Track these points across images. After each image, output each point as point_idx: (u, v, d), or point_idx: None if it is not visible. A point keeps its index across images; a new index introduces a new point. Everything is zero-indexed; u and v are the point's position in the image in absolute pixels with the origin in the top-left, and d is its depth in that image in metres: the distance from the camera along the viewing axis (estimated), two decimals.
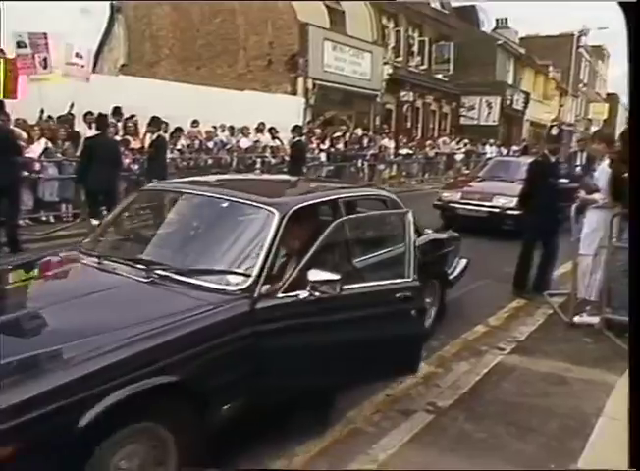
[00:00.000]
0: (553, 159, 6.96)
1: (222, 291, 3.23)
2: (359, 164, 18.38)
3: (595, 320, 5.64)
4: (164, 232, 4.14)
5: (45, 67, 10.51)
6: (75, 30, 13.29)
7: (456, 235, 6.37)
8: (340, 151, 17.66)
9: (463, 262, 6.22)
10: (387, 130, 21.66)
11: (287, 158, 14.34)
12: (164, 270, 3.37)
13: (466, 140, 25.92)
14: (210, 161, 13.42)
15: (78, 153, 9.90)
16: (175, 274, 3.34)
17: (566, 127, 39.08)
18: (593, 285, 5.74)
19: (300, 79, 19.81)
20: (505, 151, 26.17)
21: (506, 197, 10.58)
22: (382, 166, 19.36)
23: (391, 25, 25.30)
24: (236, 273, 3.36)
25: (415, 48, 27.31)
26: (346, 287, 3.32)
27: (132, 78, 15.82)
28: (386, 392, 4.30)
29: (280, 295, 3.25)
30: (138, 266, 3.45)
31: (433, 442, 3.62)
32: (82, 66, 11.29)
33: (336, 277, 3.22)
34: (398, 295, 3.63)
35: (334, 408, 3.97)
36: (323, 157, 16.78)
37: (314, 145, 16.55)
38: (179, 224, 4.17)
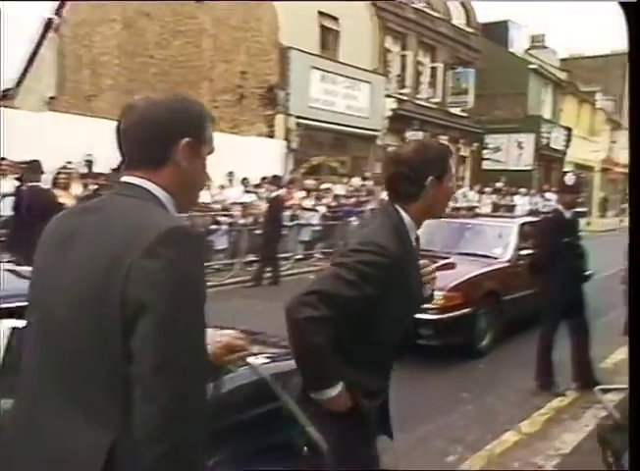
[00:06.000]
0: (568, 215, 6.04)
1: None
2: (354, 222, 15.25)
3: None
4: None
5: None
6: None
7: None
8: (331, 207, 15.27)
9: None
10: None
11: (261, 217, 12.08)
12: None
13: (489, 189, 22.32)
14: None
15: None
16: None
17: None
18: None
19: (279, 117, 16.86)
20: (541, 201, 22.10)
21: None
22: None
23: (396, 48, 22.40)
24: None
25: (426, 76, 23.93)
26: None
27: (61, 114, 13.88)
28: None
29: None
30: None
31: None
32: None
33: None
34: None
35: None
36: (307, 215, 14.42)
37: (295, 201, 14.14)
38: None
